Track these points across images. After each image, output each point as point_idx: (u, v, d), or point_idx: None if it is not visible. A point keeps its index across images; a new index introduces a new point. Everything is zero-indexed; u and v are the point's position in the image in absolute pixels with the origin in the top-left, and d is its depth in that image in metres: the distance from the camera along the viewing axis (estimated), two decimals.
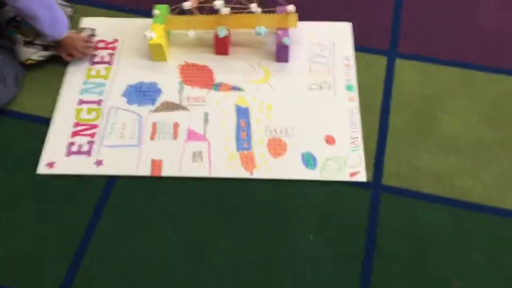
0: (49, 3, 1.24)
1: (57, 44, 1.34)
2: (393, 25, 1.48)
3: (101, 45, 1.45)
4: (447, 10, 1.51)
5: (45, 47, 1.35)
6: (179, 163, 1.24)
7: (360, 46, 1.44)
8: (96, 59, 1.42)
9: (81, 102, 1.34)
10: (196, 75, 1.39)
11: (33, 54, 1.35)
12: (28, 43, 1.34)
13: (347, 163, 1.23)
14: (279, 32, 1.36)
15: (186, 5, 1.34)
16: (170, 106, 1.33)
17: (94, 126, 1.30)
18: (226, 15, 1.37)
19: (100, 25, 1.48)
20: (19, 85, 1.33)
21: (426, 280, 1.08)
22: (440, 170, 1.22)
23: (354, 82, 1.37)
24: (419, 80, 1.37)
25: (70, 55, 1.36)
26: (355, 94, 1.35)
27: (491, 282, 1.08)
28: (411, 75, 1.38)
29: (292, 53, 1.40)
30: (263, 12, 1.38)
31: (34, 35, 1.33)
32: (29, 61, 1.36)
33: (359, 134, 1.28)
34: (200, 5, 1.36)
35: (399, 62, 1.41)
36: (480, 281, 1.08)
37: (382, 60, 1.41)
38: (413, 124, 1.30)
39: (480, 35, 1.45)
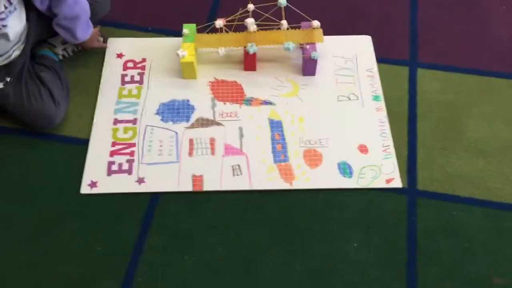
0: (87, 7, 1.32)
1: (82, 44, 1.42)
2: (410, 36, 1.55)
3: (130, 64, 1.48)
4: (461, 19, 1.59)
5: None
6: (219, 178, 1.27)
7: (381, 58, 1.50)
8: (127, 79, 1.45)
9: (116, 121, 1.36)
10: (227, 91, 1.42)
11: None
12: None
13: (382, 170, 1.28)
14: (307, 46, 1.41)
15: (218, 24, 1.38)
16: (205, 122, 1.36)
17: (132, 145, 1.32)
18: (255, 32, 1.41)
19: (128, 46, 1.51)
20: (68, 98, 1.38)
21: (468, 277, 1.13)
22: (471, 173, 1.28)
23: (380, 92, 1.42)
24: (442, 88, 1.43)
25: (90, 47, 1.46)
26: (382, 104, 1.40)
27: None
28: (433, 83, 1.44)
29: (318, 67, 1.45)
30: (289, 28, 1.43)
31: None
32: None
33: (390, 142, 1.33)
34: (229, 23, 1.40)
35: (420, 71, 1.47)
36: None
37: (404, 70, 1.47)
38: (440, 130, 1.35)
39: (496, 43, 1.52)
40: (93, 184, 1.25)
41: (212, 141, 1.33)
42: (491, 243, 1.17)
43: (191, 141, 1.33)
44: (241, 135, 1.34)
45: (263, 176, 1.27)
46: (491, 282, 1.12)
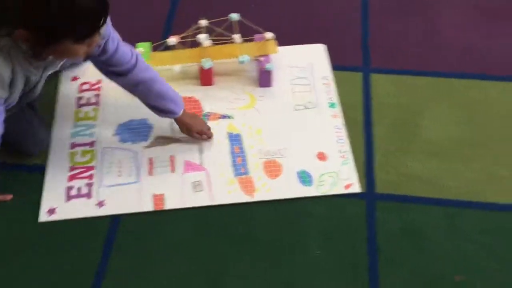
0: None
1: (180, 123, 1.32)
2: (362, 43, 1.58)
3: (85, 87, 1.47)
4: (411, 23, 1.63)
5: None
6: (180, 195, 1.27)
7: (336, 65, 1.52)
8: (83, 101, 1.44)
9: (74, 145, 1.35)
10: (185, 107, 1.42)
11: None
12: None
13: (340, 176, 1.30)
14: (262, 58, 1.43)
15: (171, 41, 1.39)
16: (163, 140, 1.36)
17: (91, 168, 1.31)
18: (209, 47, 1.42)
19: (82, 68, 1.50)
20: None
21: (430, 277, 1.15)
22: (426, 173, 1.31)
23: (335, 99, 1.45)
24: (395, 92, 1.47)
25: (199, 133, 1.33)
26: (338, 110, 1.43)
27: (488, 271, 1.15)
28: (386, 87, 1.48)
29: (274, 77, 1.47)
30: (243, 41, 1.44)
31: None
32: None
33: (347, 148, 1.35)
34: (183, 40, 1.41)
35: (373, 76, 1.50)
36: (478, 271, 1.15)
37: (358, 76, 1.50)
38: (395, 133, 1.38)
39: (445, 44, 1.57)
40: (51, 211, 1.23)
41: (171, 158, 1.33)
42: (449, 241, 1.20)
43: (150, 160, 1.33)
44: (201, 151, 1.35)
45: (224, 191, 1.27)
46: (452, 280, 1.15)
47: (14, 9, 0.92)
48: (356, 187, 1.28)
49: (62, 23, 0.93)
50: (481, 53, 1.55)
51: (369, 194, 1.27)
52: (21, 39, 0.98)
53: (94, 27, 0.98)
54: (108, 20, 1.09)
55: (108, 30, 1.14)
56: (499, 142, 1.36)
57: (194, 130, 1.33)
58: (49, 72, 1.18)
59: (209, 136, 1.34)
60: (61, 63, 1.17)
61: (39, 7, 0.91)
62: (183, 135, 1.37)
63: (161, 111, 1.29)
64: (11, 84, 1.06)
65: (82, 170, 1.30)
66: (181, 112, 1.30)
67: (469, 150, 1.35)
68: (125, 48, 1.20)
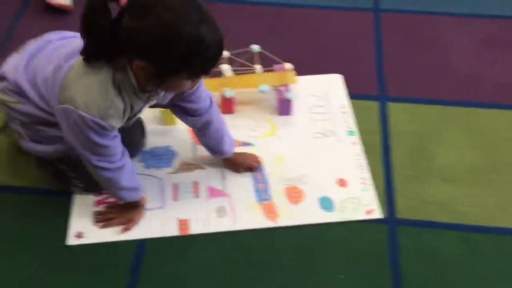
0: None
1: (228, 161, 1.37)
2: (377, 73, 1.64)
3: None
4: (422, 53, 1.69)
5: None
6: (204, 220, 1.29)
7: (353, 94, 1.58)
8: None
9: None
10: None
11: None
12: None
13: (361, 202, 1.33)
14: (281, 88, 1.48)
15: None
16: (187, 167, 1.40)
17: None
18: (230, 77, 1.47)
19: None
20: None
21: None
22: (444, 199, 1.34)
23: (354, 127, 1.49)
24: (411, 120, 1.51)
25: (250, 168, 1.38)
26: (356, 138, 1.47)
27: None
28: (402, 115, 1.52)
29: (293, 106, 1.51)
30: (263, 71, 1.50)
31: None
32: None
33: (367, 174, 1.38)
34: None
35: (390, 105, 1.55)
36: None
37: (375, 105, 1.55)
38: (412, 160, 1.42)
39: (454, 75, 1.63)
40: (79, 235, 1.26)
41: (195, 184, 1.36)
42: (468, 265, 1.22)
43: (174, 185, 1.36)
44: (223, 177, 1.38)
45: (247, 216, 1.30)
46: None
47: (140, 44, 0.94)
48: (377, 213, 1.31)
49: (188, 60, 0.95)
50: (490, 82, 1.61)
51: (390, 220, 1.30)
52: (137, 69, 1.00)
53: (212, 66, 1.00)
54: None
55: None
56: None
57: (240, 167, 1.38)
58: (150, 104, 1.21)
59: (256, 168, 1.38)
60: (160, 95, 1.17)
61: (170, 45, 0.92)
62: (206, 161, 1.41)
63: (216, 152, 1.34)
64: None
65: (108, 195, 1.33)
66: (232, 152, 1.35)
67: (484, 176, 1.39)
68: (202, 87, 1.23)
